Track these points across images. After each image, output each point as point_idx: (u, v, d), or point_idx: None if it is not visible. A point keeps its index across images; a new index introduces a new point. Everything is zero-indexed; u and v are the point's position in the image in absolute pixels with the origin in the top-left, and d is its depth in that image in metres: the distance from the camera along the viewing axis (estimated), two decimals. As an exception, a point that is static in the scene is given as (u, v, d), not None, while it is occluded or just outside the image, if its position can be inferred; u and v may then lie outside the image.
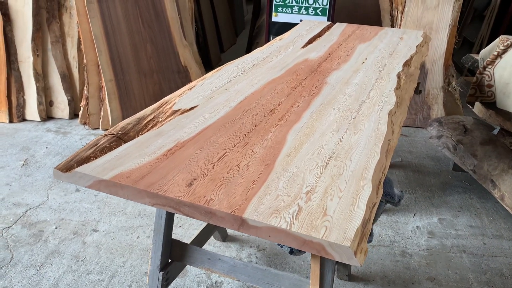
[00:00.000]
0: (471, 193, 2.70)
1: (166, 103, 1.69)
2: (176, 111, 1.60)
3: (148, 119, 1.56)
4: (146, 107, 3.44)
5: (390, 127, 1.53)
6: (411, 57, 2.30)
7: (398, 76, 2.01)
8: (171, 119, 1.53)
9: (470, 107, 2.77)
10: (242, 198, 1.08)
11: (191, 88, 1.82)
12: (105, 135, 1.42)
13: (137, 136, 1.42)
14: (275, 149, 1.33)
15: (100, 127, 3.43)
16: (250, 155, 1.29)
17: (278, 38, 2.66)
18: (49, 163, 2.93)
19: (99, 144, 1.37)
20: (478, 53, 4.54)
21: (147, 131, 1.47)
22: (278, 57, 2.24)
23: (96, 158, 1.29)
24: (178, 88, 3.57)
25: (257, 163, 1.25)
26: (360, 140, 1.40)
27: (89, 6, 3.15)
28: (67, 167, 1.24)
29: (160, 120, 1.55)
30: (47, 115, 3.62)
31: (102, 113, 3.40)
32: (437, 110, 3.53)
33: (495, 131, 2.80)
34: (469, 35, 4.64)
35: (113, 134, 1.42)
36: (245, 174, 1.19)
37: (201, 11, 4.77)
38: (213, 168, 1.22)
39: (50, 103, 3.61)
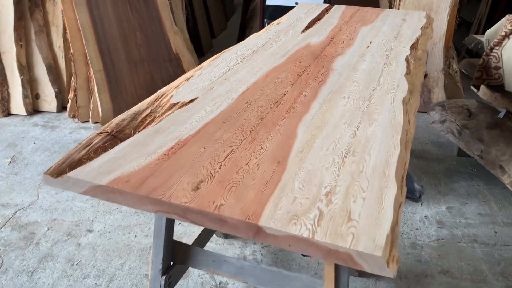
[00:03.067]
0: (477, 179, 2.62)
1: (163, 95, 1.57)
2: (175, 104, 1.48)
3: (145, 114, 1.44)
4: (137, 97, 3.29)
5: (406, 116, 1.43)
6: (417, 40, 2.19)
7: (407, 60, 1.90)
8: (169, 114, 1.41)
9: (475, 90, 2.68)
10: (256, 203, 0.98)
11: (188, 78, 1.70)
12: (99, 133, 1.30)
13: (134, 134, 1.30)
14: (285, 144, 1.22)
15: (90, 119, 3.28)
16: (260, 152, 1.18)
17: (275, 22, 2.53)
18: (38, 160, 2.79)
19: (93, 144, 1.24)
20: (476, 33, 4.45)
21: (144, 127, 1.35)
22: (278, 43, 2.12)
23: (90, 160, 1.17)
24: (170, 77, 3.42)
25: (268, 161, 1.14)
26: (376, 132, 1.29)
27: (74, -7, 2.99)
28: (58, 172, 1.12)
29: (158, 115, 1.43)
30: (33, 109, 3.46)
31: (91, 105, 3.26)
32: (438, 94, 3.44)
33: (501, 114, 2.72)
34: (466, 15, 4.55)
35: (108, 132, 1.30)
36: (256, 175, 1.08)
37: (190, -4, 4.59)
38: (220, 168, 1.10)
39: (36, 96, 3.44)
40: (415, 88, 1.68)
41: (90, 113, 3.27)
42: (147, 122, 1.39)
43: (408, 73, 1.77)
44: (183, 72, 3.47)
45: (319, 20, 2.56)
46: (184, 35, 3.66)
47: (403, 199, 1.06)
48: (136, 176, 1.07)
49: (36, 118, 3.36)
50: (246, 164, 1.13)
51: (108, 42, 3.15)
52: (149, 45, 3.32)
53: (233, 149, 1.20)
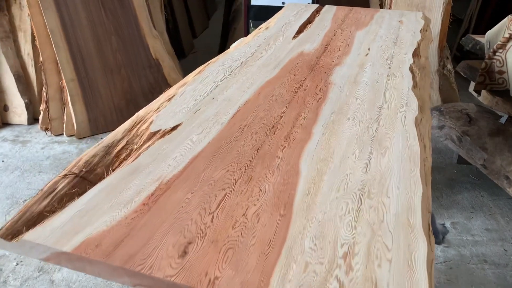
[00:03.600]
0: (480, 189, 2.48)
1: (141, 121, 1.36)
2: (155, 133, 1.27)
3: (120, 146, 1.23)
4: (114, 107, 3.06)
5: (421, 141, 1.25)
6: (419, 45, 2.02)
7: (411, 70, 1.73)
8: (149, 146, 1.21)
9: (476, 95, 2.53)
10: (259, 272, 0.79)
11: (170, 98, 1.49)
12: (65, 175, 1.09)
13: (107, 174, 1.10)
14: (288, 185, 1.04)
15: (64, 133, 3.04)
16: (258, 197, 0.99)
17: (263, 26, 2.34)
18: (7, 181, 2.55)
19: (57, 190, 1.04)
20: (467, 30, 4.32)
21: (119, 165, 1.15)
22: (269, 51, 1.92)
23: (53, 213, 0.96)
24: (150, 84, 3.20)
25: (270, 210, 0.95)
26: (392, 165, 1.11)
27: (41, -4, 2.73)
28: (12, 233, 0.91)
29: (136, 147, 1.23)
30: (2, 122, 3.19)
31: (65, 117, 3.01)
32: (433, 96, 3.29)
33: (502, 120, 2.58)
34: (457, 11, 4.41)
35: (75, 173, 1.09)
36: (256, 229, 0.89)
37: (169, -5, 4.35)
38: (212, 222, 0.91)
39: (4, 108, 3.18)
40: (425, 104, 1.51)
41: (64, 125, 3.03)
42: (122, 157, 1.19)
43: (415, 85, 1.60)
44: (163, 78, 3.25)
45: (310, 23, 2.37)
46: (163, 38, 3.43)
47: (433, 254, 0.89)
48: (108, 237, 0.87)
49: (5, 132, 3.10)
50: (244, 214, 0.93)
51: (81, 48, 2.91)
52: (126, 50, 3.08)
53: (226, 193, 1.00)
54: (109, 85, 3.04)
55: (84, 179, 1.09)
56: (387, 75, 1.67)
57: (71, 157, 2.78)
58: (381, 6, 3.50)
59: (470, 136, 2.53)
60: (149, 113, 1.40)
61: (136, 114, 1.41)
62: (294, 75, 1.68)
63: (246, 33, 3.35)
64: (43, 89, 3.00)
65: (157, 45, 3.22)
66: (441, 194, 2.44)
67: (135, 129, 1.31)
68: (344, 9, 2.65)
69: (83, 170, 1.11)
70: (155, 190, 1.01)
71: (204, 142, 1.21)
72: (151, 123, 1.33)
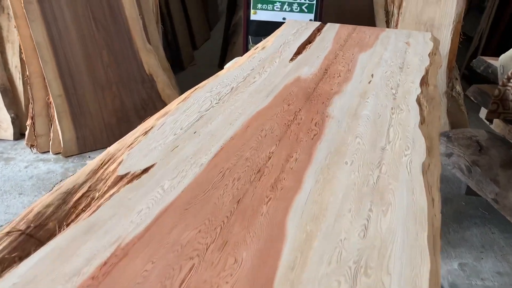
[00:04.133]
0: (491, 225, 2.30)
1: (110, 160, 1.20)
2: (122, 177, 1.11)
3: (80, 193, 1.07)
4: (104, 125, 2.91)
5: (429, 193, 1.08)
6: (427, 72, 1.85)
7: (419, 102, 1.56)
8: (113, 193, 1.04)
9: (488, 123, 2.36)
10: None
11: (147, 131, 1.33)
12: (8, 232, 0.93)
13: (59, 231, 0.94)
14: (270, 252, 0.87)
15: (50, 150, 2.89)
16: (232, 271, 0.82)
17: (260, 45, 2.18)
18: (-16, 203, 2.40)
19: (-5, 252, 0.88)
20: (477, 49, 4.15)
21: (75, 217, 0.99)
22: (262, 76, 1.76)
23: (-17, 285, 0.80)
24: (143, 100, 3.05)
25: (244, 289, 0.78)
26: (394, 227, 0.94)
27: (28, 7, 2.59)
28: None
29: (98, 195, 1.06)
30: (-14, 136, 3.06)
31: (52, 134, 2.86)
32: (441, 119, 3.12)
33: (516, 149, 2.40)
34: (467, 28, 4.25)
35: (21, 230, 0.93)
36: (225, 319, 0.72)
37: (169, 5, 4.22)
38: (172, 306, 0.74)
39: (-11, 122, 3.04)
40: (434, 143, 1.33)
41: (51, 142, 2.88)
42: (80, 208, 1.02)
43: (422, 121, 1.43)
44: (157, 94, 3.10)
45: (310, 43, 2.21)
46: (159, 53, 3.28)
47: None
48: (41, 327, 0.70)
49: (-11, 148, 2.96)
50: (212, 296, 0.77)
51: (69, 63, 2.76)
52: (118, 65, 2.94)
53: (194, 263, 0.83)
54: (99, 101, 2.89)
55: (31, 237, 0.92)
56: (392, 108, 1.51)
57: (55, 177, 2.63)
58: (387, 23, 3.34)
59: (480, 167, 2.35)
60: (120, 149, 1.24)
61: (107, 150, 1.25)
62: (288, 105, 1.51)
63: (245, 49, 3.21)
64: (30, 104, 2.86)
65: (151, 59, 3.07)
66: (449, 230, 2.26)
67: (102, 170, 1.15)
68: (348, 28, 2.50)
69: (32, 225, 0.94)
70: (110, 258, 0.84)
71: (177, 190, 1.05)
72: (120, 163, 1.16)
